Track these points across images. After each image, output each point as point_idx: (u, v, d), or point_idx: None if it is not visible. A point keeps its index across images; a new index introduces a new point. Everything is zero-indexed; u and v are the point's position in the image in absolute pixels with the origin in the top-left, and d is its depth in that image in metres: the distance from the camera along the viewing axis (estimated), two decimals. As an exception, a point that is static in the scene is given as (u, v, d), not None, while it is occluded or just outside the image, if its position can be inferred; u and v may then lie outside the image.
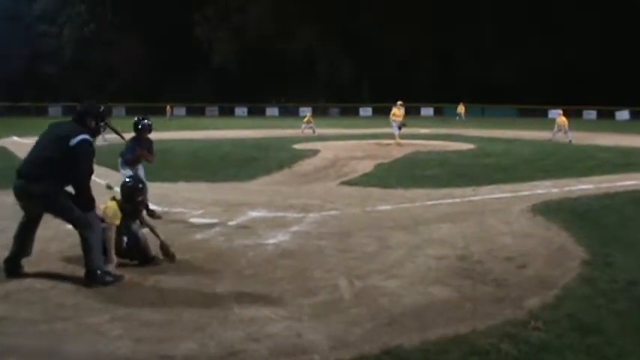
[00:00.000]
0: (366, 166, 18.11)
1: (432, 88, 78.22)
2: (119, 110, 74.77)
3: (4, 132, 34.15)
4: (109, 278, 6.63)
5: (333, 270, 7.18)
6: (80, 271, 6.95)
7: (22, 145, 24.36)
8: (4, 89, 69.86)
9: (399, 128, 25.43)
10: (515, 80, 73.60)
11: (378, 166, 18.19)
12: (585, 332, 5.24)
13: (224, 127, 44.48)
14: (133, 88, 77.95)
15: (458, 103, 62.09)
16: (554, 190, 13.45)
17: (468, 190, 13.52)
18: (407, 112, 25.54)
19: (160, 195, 12.62)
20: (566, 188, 13.73)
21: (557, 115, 31.58)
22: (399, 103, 26.01)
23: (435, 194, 12.90)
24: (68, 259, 7.59)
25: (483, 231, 9.29)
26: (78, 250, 7.59)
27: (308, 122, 37.12)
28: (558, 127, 30.52)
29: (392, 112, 26.49)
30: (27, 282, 6.74)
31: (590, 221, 9.84)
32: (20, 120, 54.43)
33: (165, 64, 79.08)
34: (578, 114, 67.34)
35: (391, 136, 27.11)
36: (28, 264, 7.21)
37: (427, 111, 77.45)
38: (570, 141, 28.46)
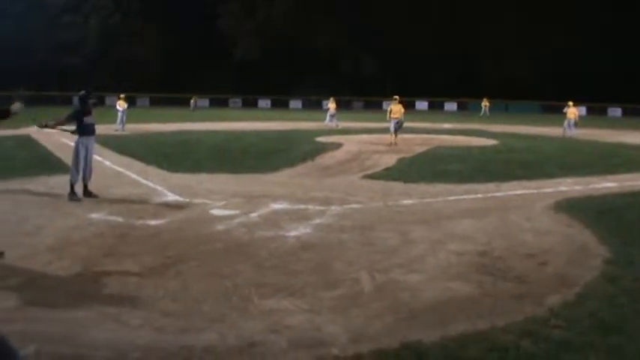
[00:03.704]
0: (389, 160, 18.03)
1: (455, 83, 77.61)
2: (143, 101, 75.14)
3: (28, 121, 34.32)
4: None
5: (354, 263, 7.16)
6: (105, 259, 7.02)
7: (47, 134, 24.63)
8: (29, 78, 70.22)
9: (396, 128, 23.72)
10: (539, 76, 72.75)
11: (401, 161, 18.11)
12: (607, 331, 5.17)
13: (247, 119, 44.57)
14: (157, 79, 78.34)
15: (481, 98, 61.51)
16: (578, 188, 13.29)
17: (491, 185, 13.41)
18: (405, 108, 24.39)
19: (182, 186, 12.71)
20: (590, 186, 13.55)
21: (567, 108, 31.01)
22: (395, 98, 24.79)
23: (457, 189, 12.81)
24: (91, 247, 7.67)
25: (505, 227, 9.22)
26: (101, 239, 7.68)
27: (332, 109, 37.00)
28: (568, 121, 30.11)
29: (389, 108, 25.15)
30: (51, 269, 6.82)
31: (614, 219, 9.71)
32: (45, 109, 54.69)
33: (189, 56, 79.38)
34: (603, 111, 66.43)
35: (414, 130, 26.93)
36: (51, 252, 7.31)
37: (450, 106, 76.96)
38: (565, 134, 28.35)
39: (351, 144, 23.49)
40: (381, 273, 6.79)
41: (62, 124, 11.43)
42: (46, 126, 11.66)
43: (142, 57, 79.87)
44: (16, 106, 7.70)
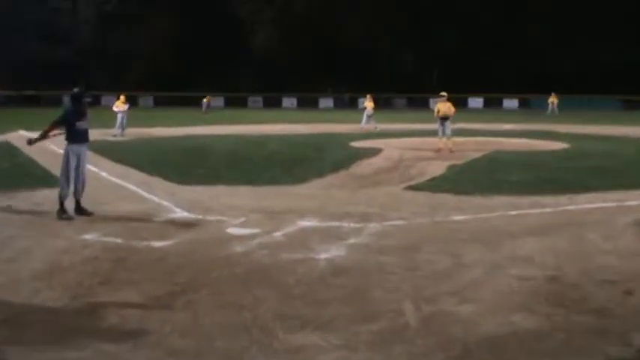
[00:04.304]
0: (437, 168, 17.93)
1: (516, 76, 77.08)
2: (146, 100, 75.77)
3: (9, 124, 34.64)
4: None
5: (396, 291, 7.12)
6: (101, 288, 7.07)
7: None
8: (9, 76, 69.75)
9: (445, 130, 23.69)
10: (621, 66, 71.70)
11: (451, 168, 18.00)
12: None
13: (269, 121, 44.83)
14: (162, 76, 79.01)
15: (548, 94, 60.91)
16: (668, 200, 13.07)
17: (562, 198, 13.23)
18: (455, 106, 24.19)
19: (192, 200, 12.78)
20: (684, 197, 13.31)
21: None
22: (443, 94, 24.71)
23: (520, 203, 12.67)
24: (84, 274, 7.72)
25: (580, 248, 9.08)
26: (96, 264, 7.72)
27: (369, 108, 37.02)
28: None
29: (436, 107, 25.15)
30: (37, 300, 6.88)
31: None
32: (28, 111, 54.65)
33: (200, 48, 79.92)
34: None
35: (466, 132, 26.67)
36: (37, 280, 7.37)
37: (511, 103, 76.54)
38: None
39: (391, 149, 23.42)
40: (428, 303, 6.72)
41: (51, 131, 11.53)
42: (36, 141, 11.80)
43: (145, 49, 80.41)
44: None
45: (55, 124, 11.52)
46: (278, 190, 14.41)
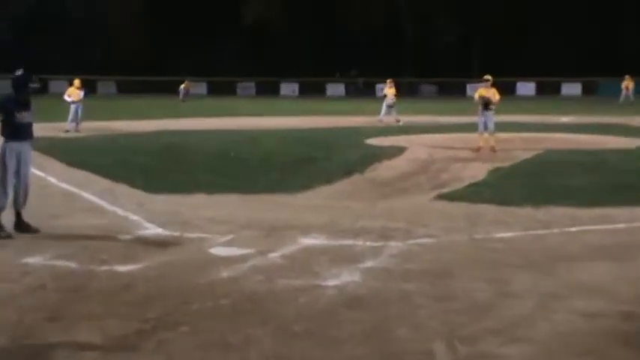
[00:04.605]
0: (476, 172, 17.94)
1: (578, 56, 76.91)
2: (107, 87, 75.75)
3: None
4: None
5: (424, 328, 7.09)
6: (49, 326, 7.04)
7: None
8: None
9: (487, 123, 23.80)
10: None
11: (494, 172, 17.99)
12: None
13: (264, 113, 44.87)
14: (129, 55, 79.03)
15: (621, 77, 60.52)
16: None
17: (637, 210, 13.22)
18: (500, 93, 24.17)
19: (167, 212, 12.79)
20: None
21: None
22: (487, 78, 24.93)
23: (582, 216, 12.66)
24: (26, 309, 7.67)
25: (661, 275, 9.04)
26: (42, 295, 7.69)
27: (390, 97, 37.04)
28: None
29: (476, 94, 25.30)
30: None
31: None
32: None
33: (175, 20, 79.98)
34: None
35: (513, 126, 26.59)
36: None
37: (571, 89, 76.48)
38: None
39: (417, 148, 23.41)
40: (465, 343, 6.69)
41: None
42: None
43: (107, 21, 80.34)
44: None
45: None
46: (275, 200, 14.41)
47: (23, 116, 11.28)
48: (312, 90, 78.30)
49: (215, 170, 18.47)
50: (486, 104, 22.90)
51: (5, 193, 11.12)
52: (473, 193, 15.01)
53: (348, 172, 17.94)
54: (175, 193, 14.84)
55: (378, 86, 66.33)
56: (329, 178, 17.01)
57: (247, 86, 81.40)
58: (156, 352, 6.57)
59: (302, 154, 21.86)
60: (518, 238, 11.04)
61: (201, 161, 20.28)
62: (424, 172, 18.45)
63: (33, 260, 9.64)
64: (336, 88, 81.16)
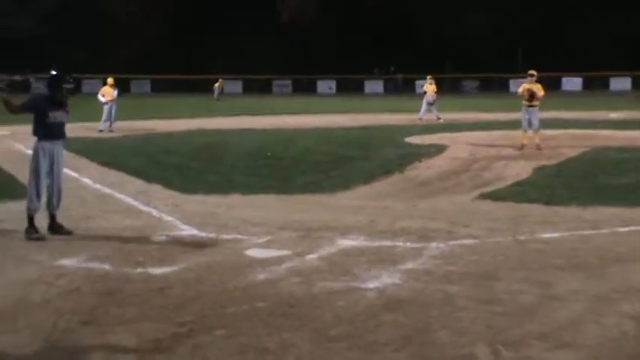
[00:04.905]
0: (520, 171, 17.87)
1: (628, 48, 75.99)
2: (141, 85, 76.07)
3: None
4: None
5: (467, 332, 7.06)
6: (83, 330, 7.08)
7: None
8: None
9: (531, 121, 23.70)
10: None
11: (539, 171, 17.88)
12: None
13: (301, 111, 44.90)
14: (163, 54, 79.30)
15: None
16: None
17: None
18: (545, 89, 24.01)
19: (202, 213, 12.83)
20: None
21: None
22: (532, 73, 24.83)
23: (632, 216, 12.56)
24: (61, 312, 7.74)
25: None
26: (76, 298, 7.73)
27: (430, 94, 36.97)
28: None
29: (520, 89, 25.20)
30: None
31: None
32: None
33: (210, 18, 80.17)
34: None
35: (559, 123, 26.43)
36: None
37: (620, 83, 75.72)
38: None
39: (459, 146, 23.36)
40: (509, 347, 6.65)
41: (11, 106, 11.26)
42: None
43: (139, 19, 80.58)
44: None
45: (21, 107, 11.36)
46: (312, 200, 14.43)
47: (56, 116, 11.33)
48: (350, 87, 78.28)
49: (250, 170, 18.53)
50: (532, 96, 22.76)
51: (38, 195, 11.20)
52: (517, 193, 14.94)
53: (387, 172, 17.93)
54: (210, 194, 14.91)
55: (418, 83, 66.24)
56: (367, 178, 17.01)
57: (283, 84, 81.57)
58: (192, 355, 6.59)
59: (339, 153, 21.88)
60: (565, 239, 10.95)
61: (236, 161, 20.33)
62: (466, 170, 18.38)
63: (67, 262, 9.73)
64: (374, 85, 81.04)
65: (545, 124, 24.71)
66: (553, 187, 15.45)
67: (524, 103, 23.10)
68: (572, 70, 74.79)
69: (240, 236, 11.14)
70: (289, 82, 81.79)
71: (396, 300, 8.03)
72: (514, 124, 24.98)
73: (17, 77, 12.39)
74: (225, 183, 16.25)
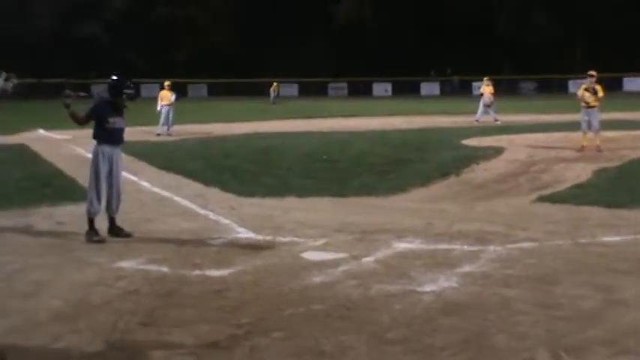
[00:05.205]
0: (580, 173, 17.67)
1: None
2: (198, 90, 76.78)
3: (26, 122, 35.75)
4: None
5: (526, 336, 7.00)
6: (143, 330, 7.15)
7: (50, 141, 25.28)
8: (28, 62, 68.64)
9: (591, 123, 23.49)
10: None
11: (600, 173, 17.67)
12: None
13: (357, 114, 44.89)
14: (219, 58, 79.84)
15: None
16: None
17: None
18: (604, 90, 23.79)
19: (259, 216, 12.89)
20: None
21: None
22: (592, 74, 24.64)
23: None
24: (120, 313, 7.84)
25: None
26: (135, 300, 7.80)
27: (487, 95, 36.77)
28: None
29: (579, 91, 25.06)
30: (59, 346, 6.95)
31: None
32: (48, 104, 54.28)
33: (266, 23, 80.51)
34: None
35: (621, 124, 26.13)
36: (60, 321, 7.48)
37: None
38: None
39: (517, 148, 23.19)
40: (571, 353, 6.58)
41: (78, 118, 11.51)
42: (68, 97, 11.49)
43: (196, 24, 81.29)
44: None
45: (86, 118, 11.55)
46: (368, 203, 14.41)
47: (115, 122, 11.48)
48: (406, 89, 78.14)
49: (306, 173, 18.57)
50: (595, 93, 22.55)
51: (98, 198, 11.34)
52: (577, 195, 14.78)
53: (443, 174, 17.85)
54: (266, 197, 14.96)
55: (475, 84, 65.88)
56: (423, 181, 16.95)
57: (339, 87, 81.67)
58: (249, 357, 6.63)
59: (395, 155, 21.83)
60: (627, 243, 10.82)
61: (292, 164, 20.38)
62: (524, 173, 18.23)
63: (126, 264, 9.84)
64: (430, 87, 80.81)
65: (606, 125, 24.46)
66: (614, 190, 15.26)
67: (583, 104, 22.90)
68: (634, 70, 73.79)
69: (296, 239, 11.18)
70: (345, 84, 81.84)
71: (453, 303, 7.99)
72: (574, 126, 24.73)
73: (82, 93, 12.68)
74: (281, 186, 16.30)
